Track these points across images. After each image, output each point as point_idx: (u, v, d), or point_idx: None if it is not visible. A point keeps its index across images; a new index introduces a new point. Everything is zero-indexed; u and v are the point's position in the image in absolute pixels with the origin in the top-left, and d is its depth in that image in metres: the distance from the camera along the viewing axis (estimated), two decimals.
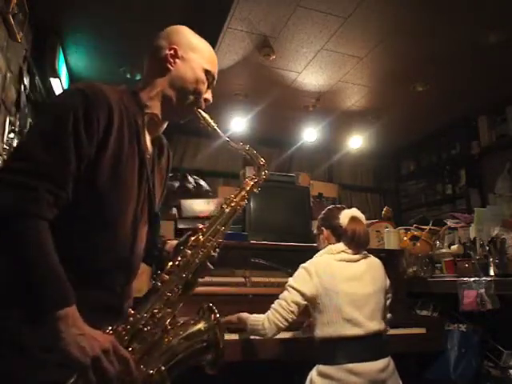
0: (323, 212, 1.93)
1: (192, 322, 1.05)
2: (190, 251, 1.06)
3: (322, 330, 1.65)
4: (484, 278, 1.99)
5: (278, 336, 1.71)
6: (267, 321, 1.65)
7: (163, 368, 0.94)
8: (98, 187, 0.96)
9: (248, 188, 1.20)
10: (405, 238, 2.76)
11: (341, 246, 1.77)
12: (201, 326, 1.05)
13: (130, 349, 0.91)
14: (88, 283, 0.94)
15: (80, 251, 0.95)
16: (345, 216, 1.79)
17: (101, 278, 0.99)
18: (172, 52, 1.11)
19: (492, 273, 2.08)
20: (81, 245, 0.96)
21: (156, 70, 1.12)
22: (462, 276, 2.16)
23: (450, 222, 2.74)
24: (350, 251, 1.75)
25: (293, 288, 1.69)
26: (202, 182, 3.35)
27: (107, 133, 0.96)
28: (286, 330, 1.78)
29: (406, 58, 3.40)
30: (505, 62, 3.36)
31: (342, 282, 1.68)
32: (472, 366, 2.03)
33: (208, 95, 1.17)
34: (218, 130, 1.16)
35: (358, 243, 1.75)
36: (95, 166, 0.95)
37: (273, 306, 1.68)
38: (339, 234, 1.79)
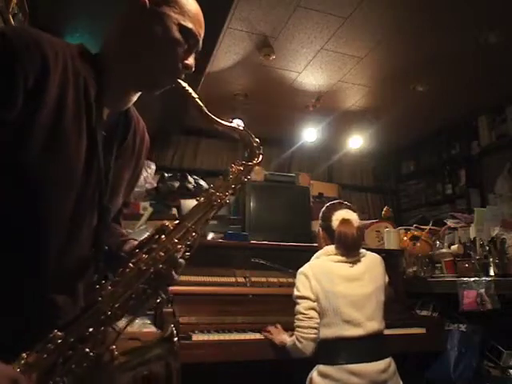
0: (323, 209, 1.90)
1: (142, 347, 0.83)
2: (145, 255, 0.83)
3: (322, 332, 1.65)
4: (484, 278, 1.99)
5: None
6: (298, 342, 1.64)
7: None
8: (27, 160, 0.75)
9: (233, 176, 0.95)
10: (405, 238, 2.76)
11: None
12: (153, 353, 0.83)
13: (50, 382, 0.70)
14: (11, 294, 0.74)
15: None
16: (336, 218, 1.76)
17: (27, 287, 0.78)
18: (140, 4, 0.88)
19: (492, 273, 2.08)
20: None
21: (121, 28, 0.91)
22: (462, 276, 2.16)
23: (449, 222, 2.74)
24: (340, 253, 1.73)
25: (299, 298, 1.69)
26: (202, 182, 3.35)
27: (38, 98, 0.75)
28: (286, 330, 1.79)
29: (406, 58, 3.40)
30: (505, 62, 3.36)
31: (340, 283, 1.67)
32: (472, 366, 2.03)
33: (189, 60, 0.93)
34: (201, 104, 0.95)
35: (345, 247, 1.72)
36: (24, 134, 0.74)
37: (295, 324, 1.67)
38: (332, 236, 1.77)
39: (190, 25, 0.91)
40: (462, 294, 2.02)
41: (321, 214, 1.89)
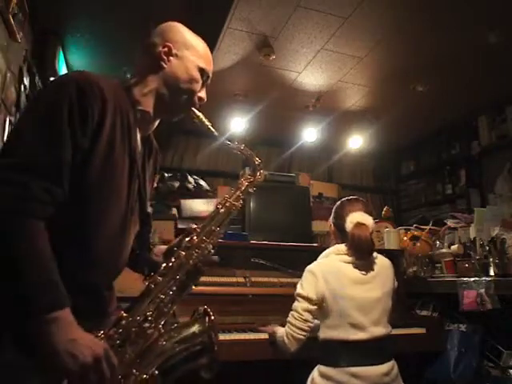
0: (337, 204, 1.85)
1: (186, 324, 1.03)
2: (183, 252, 1.04)
3: (325, 333, 1.63)
4: (484, 278, 1.99)
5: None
6: (286, 336, 1.63)
7: (156, 372, 0.92)
8: (86, 183, 0.91)
9: (243, 188, 1.19)
10: (405, 238, 2.76)
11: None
12: (195, 328, 1.02)
13: (123, 353, 0.88)
14: (72, 286, 0.86)
15: (65, 251, 0.88)
16: (350, 220, 1.69)
17: (86, 281, 0.95)
18: (166, 49, 1.08)
19: (492, 273, 2.08)
20: (65, 244, 0.89)
21: (149, 67, 1.09)
22: (462, 276, 2.16)
23: (449, 222, 2.74)
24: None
25: (300, 296, 1.65)
26: (202, 182, 3.36)
27: (100, 126, 0.92)
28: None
29: (406, 58, 3.40)
30: (505, 62, 3.36)
31: (349, 285, 1.63)
32: (472, 366, 2.03)
33: (202, 94, 1.15)
34: (212, 129, 1.15)
35: (359, 251, 1.67)
36: (86, 160, 0.90)
37: (288, 319, 1.66)
38: (344, 236, 1.73)
39: (204, 65, 1.12)
40: (461, 293, 2.02)
41: (334, 209, 1.83)
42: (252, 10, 2.83)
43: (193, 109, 1.13)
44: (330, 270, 1.67)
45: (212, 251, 1.09)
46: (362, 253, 1.68)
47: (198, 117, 1.14)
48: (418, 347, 2.10)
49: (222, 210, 1.13)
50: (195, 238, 1.07)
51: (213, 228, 1.10)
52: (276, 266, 2.26)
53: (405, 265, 2.59)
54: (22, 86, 2.60)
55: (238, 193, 1.17)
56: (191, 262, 1.04)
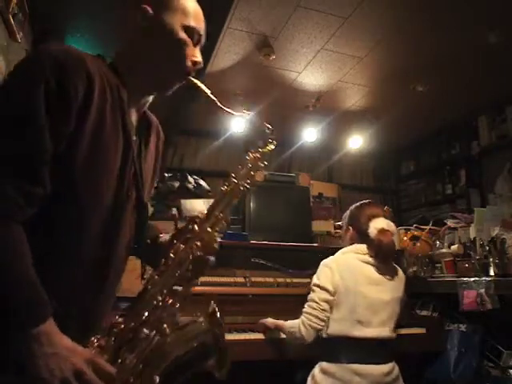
0: (352, 208, 1.88)
1: (190, 324, 0.93)
2: (182, 245, 0.91)
3: (331, 327, 1.64)
4: (484, 278, 1.99)
5: (278, 335, 1.71)
6: (303, 326, 1.63)
7: (158, 380, 0.84)
8: (72, 170, 0.80)
9: (252, 164, 1.01)
10: (405, 238, 2.75)
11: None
12: (201, 328, 0.93)
13: (120, 361, 0.81)
14: (53, 292, 0.77)
15: (46, 248, 0.80)
16: (374, 227, 1.73)
17: (70, 283, 0.84)
18: (142, 14, 0.92)
19: (492, 273, 2.08)
20: (46, 241, 0.80)
21: (130, 39, 0.96)
22: (462, 276, 2.16)
23: (449, 222, 2.74)
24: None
25: (317, 286, 1.68)
26: (202, 182, 3.35)
27: (86, 105, 0.80)
28: None
29: (406, 58, 3.39)
30: (505, 62, 3.36)
31: (363, 284, 1.66)
32: (472, 366, 2.03)
33: (196, 57, 0.97)
34: (213, 97, 1.01)
35: (384, 256, 1.72)
36: (71, 146, 0.79)
37: (304, 309, 1.67)
38: (365, 240, 1.76)
39: (192, 23, 0.95)
40: (461, 293, 2.02)
41: (350, 213, 1.87)
42: (252, 10, 2.83)
43: (190, 77, 0.97)
44: (346, 266, 1.70)
45: (217, 241, 0.95)
46: (385, 258, 1.72)
47: (195, 84, 0.98)
48: (418, 347, 2.10)
49: (228, 192, 0.98)
50: (196, 227, 0.93)
51: (216, 214, 0.96)
52: (276, 266, 2.26)
53: (405, 265, 2.59)
54: None
55: (245, 170, 1.00)
56: (191, 256, 0.91)
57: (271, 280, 2.22)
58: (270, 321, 1.82)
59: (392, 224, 1.77)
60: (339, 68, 3.59)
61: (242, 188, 0.99)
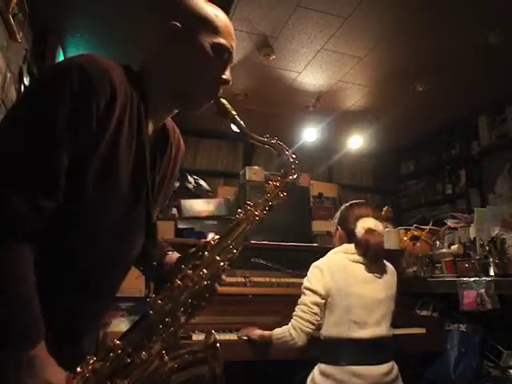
0: (342, 208, 1.88)
1: (188, 353, 0.88)
2: (190, 271, 0.87)
3: (327, 330, 1.64)
4: (484, 278, 1.99)
5: None
6: (293, 329, 1.62)
7: None
8: (82, 185, 0.77)
9: (271, 193, 0.97)
10: (405, 238, 2.75)
11: None
12: (198, 359, 0.88)
13: None
14: (54, 307, 0.74)
15: (53, 261, 0.78)
16: (362, 226, 1.73)
17: (74, 299, 0.82)
18: (172, 30, 0.88)
19: (492, 273, 2.07)
20: (53, 256, 0.78)
21: (156, 53, 0.92)
22: (462, 276, 2.16)
23: (449, 222, 2.74)
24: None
25: (308, 289, 1.67)
26: (202, 182, 3.36)
27: (106, 117, 0.78)
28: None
29: (406, 58, 3.39)
30: (505, 62, 3.36)
31: (355, 283, 1.66)
32: (472, 366, 2.03)
33: (226, 75, 0.94)
34: (239, 119, 0.99)
35: (372, 256, 1.71)
36: (85, 161, 0.77)
37: (295, 313, 1.66)
38: (353, 240, 1.75)
39: (222, 41, 0.91)
40: (461, 293, 2.02)
41: (340, 213, 1.86)
42: (252, 9, 2.83)
43: (219, 98, 0.95)
44: (336, 267, 1.69)
45: (225, 269, 0.92)
46: (373, 258, 1.71)
47: (224, 105, 0.96)
48: (418, 347, 2.11)
49: (244, 223, 0.94)
50: (206, 253, 0.90)
51: (228, 243, 0.92)
52: (276, 266, 2.26)
53: (405, 265, 2.59)
54: (22, 86, 2.60)
55: (265, 200, 0.96)
56: (197, 286, 0.87)
57: (271, 280, 2.22)
58: (256, 333, 1.78)
59: (380, 224, 1.77)
60: (339, 68, 3.59)
61: (256, 218, 0.95)
